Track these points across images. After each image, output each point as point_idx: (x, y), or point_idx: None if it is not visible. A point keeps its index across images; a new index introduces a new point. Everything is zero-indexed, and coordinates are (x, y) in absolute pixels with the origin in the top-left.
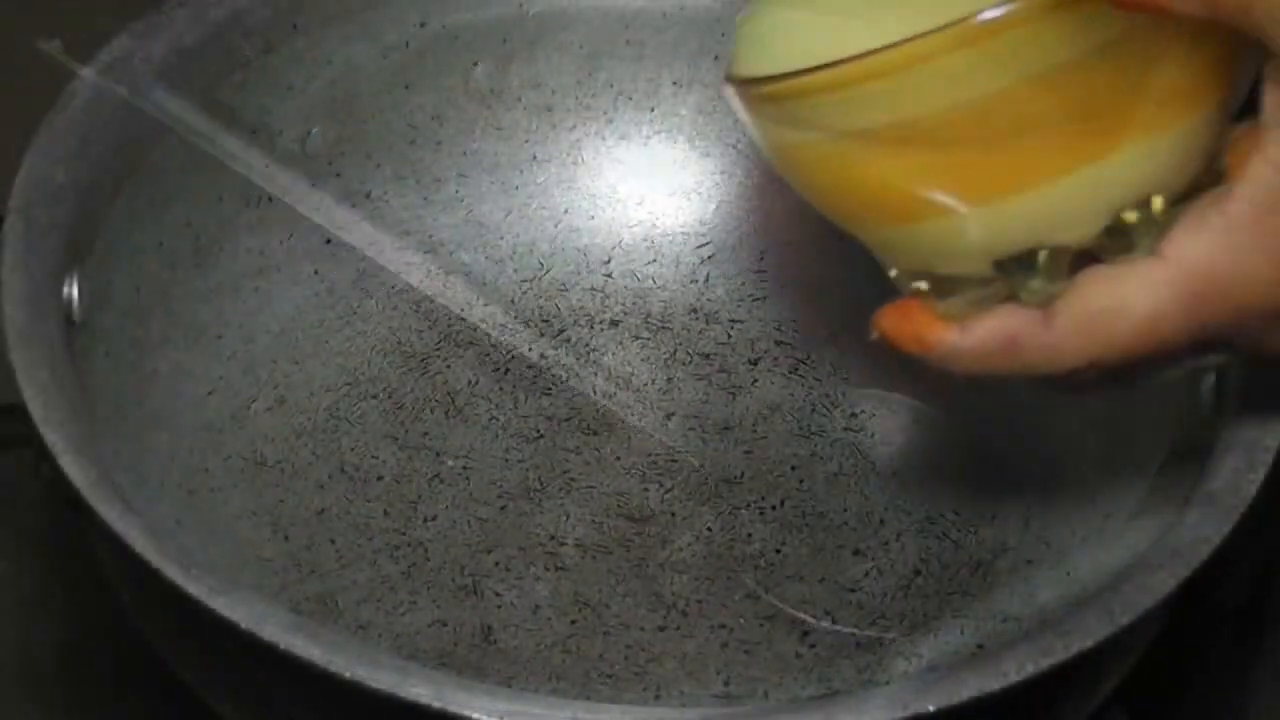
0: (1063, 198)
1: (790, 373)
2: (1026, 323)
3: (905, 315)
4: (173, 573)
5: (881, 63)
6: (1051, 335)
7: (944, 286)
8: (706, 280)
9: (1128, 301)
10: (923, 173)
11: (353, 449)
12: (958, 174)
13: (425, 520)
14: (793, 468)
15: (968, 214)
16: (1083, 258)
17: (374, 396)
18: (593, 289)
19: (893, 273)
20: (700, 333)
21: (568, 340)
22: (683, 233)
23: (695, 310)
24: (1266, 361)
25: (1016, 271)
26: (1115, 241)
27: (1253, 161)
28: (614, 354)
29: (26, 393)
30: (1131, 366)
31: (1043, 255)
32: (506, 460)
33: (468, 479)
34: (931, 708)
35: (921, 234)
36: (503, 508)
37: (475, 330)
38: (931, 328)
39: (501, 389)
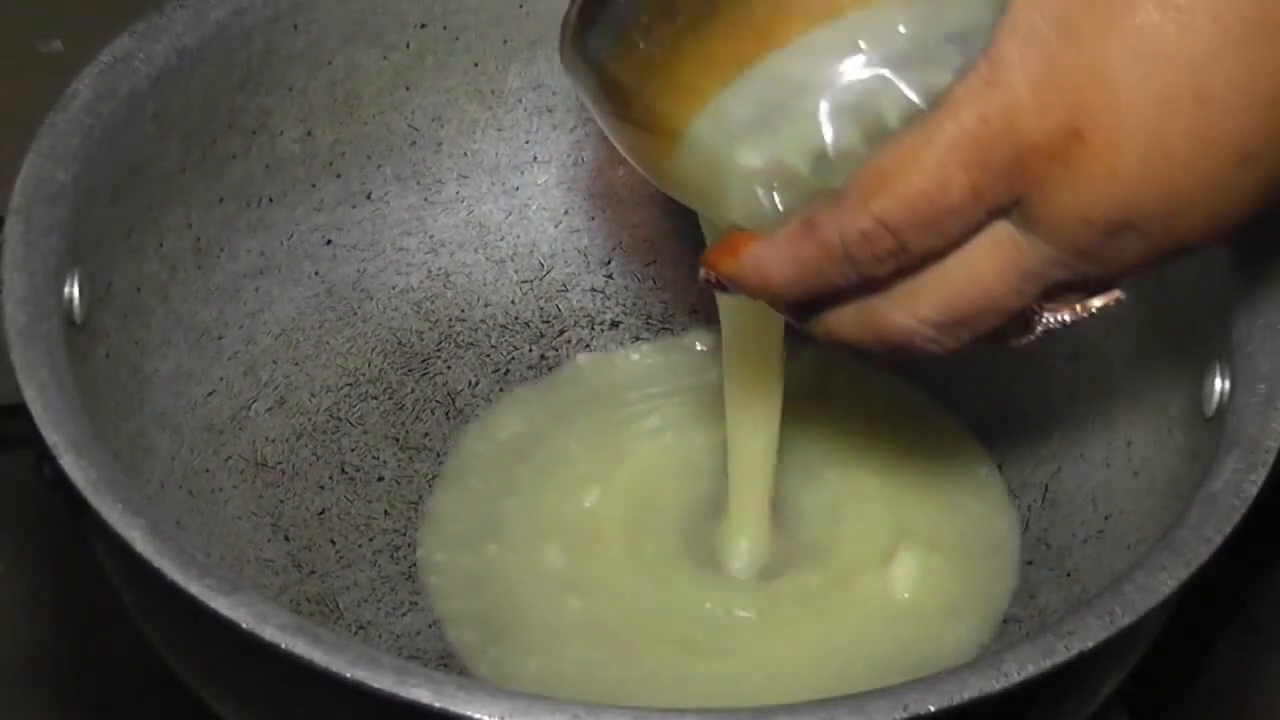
0: (804, 56)
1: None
2: (821, 205)
3: (723, 242)
4: (173, 573)
5: None
6: (842, 205)
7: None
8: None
9: (907, 155)
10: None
11: (353, 449)
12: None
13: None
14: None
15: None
16: None
17: (374, 397)
18: (593, 289)
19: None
20: (701, 333)
21: (568, 341)
22: (683, 233)
23: (695, 310)
24: (1049, 233)
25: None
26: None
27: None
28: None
29: (27, 393)
30: (929, 236)
31: (830, 142)
32: None
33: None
34: (932, 708)
35: (704, 132)
36: None
37: (475, 330)
38: (743, 241)
39: (501, 389)
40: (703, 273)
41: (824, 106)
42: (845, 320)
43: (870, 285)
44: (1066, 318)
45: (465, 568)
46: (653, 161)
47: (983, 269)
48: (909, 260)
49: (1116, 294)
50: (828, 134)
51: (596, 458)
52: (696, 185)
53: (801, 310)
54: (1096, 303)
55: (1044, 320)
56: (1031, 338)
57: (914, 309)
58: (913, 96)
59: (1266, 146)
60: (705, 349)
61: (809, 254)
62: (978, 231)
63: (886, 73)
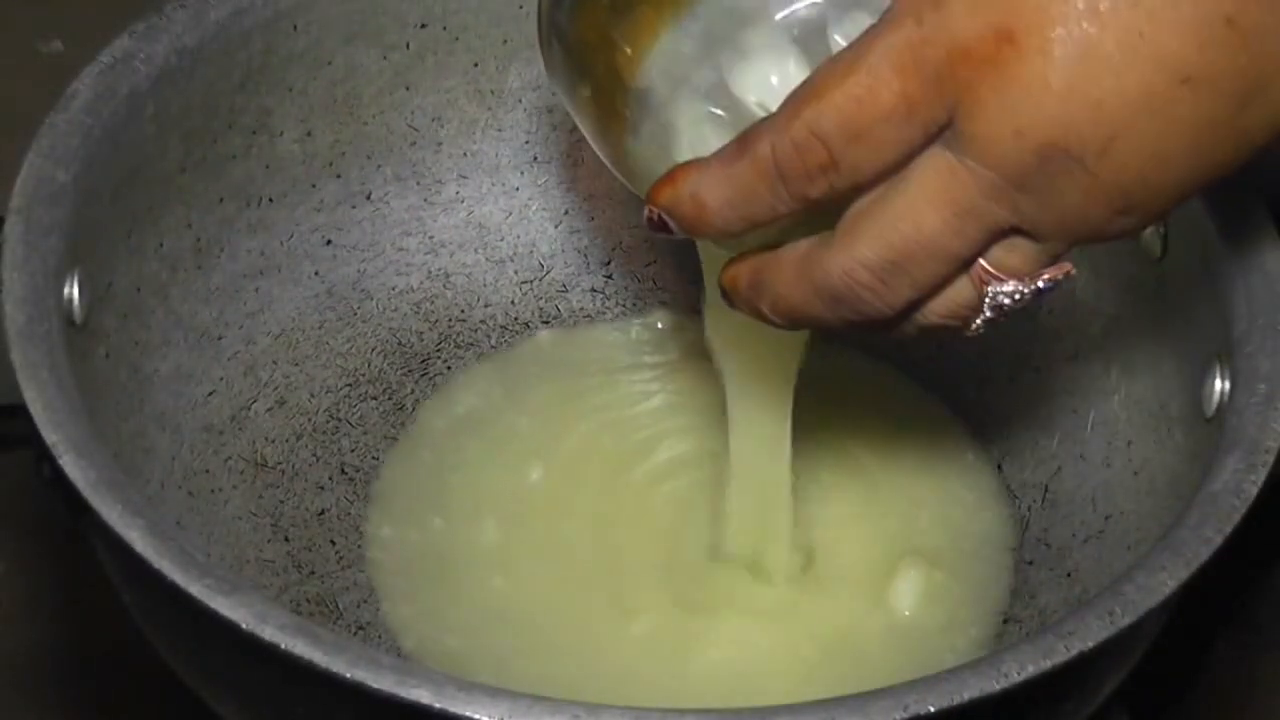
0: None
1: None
2: (758, 124)
3: (665, 175)
4: (173, 573)
5: None
6: (774, 117)
7: None
8: None
9: (841, 65)
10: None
11: (353, 449)
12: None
13: None
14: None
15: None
16: None
17: (374, 397)
18: (593, 290)
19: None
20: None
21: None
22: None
23: (696, 311)
24: (982, 151)
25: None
26: None
27: None
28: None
29: (26, 393)
30: (861, 149)
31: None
32: None
33: None
34: (932, 708)
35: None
36: None
37: (475, 330)
38: (683, 169)
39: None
40: (646, 212)
41: (770, 39)
42: (786, 276)
43: (804, 213)
44: (1016, 289)
45: (410, 542)
46: (615, 138)
47: (919, 201)
48: (841, 180)
49: (1067, 267)
50: (773, 66)
51: (543, 433)
52: (653, 152)
53: (746, 274)
54: (1046, 275)
55: (991, 294)
56: (983, 318)
57: (851, 249)
58: (861, 29)
59: (1206, 72)
60: (665, 326)
61: (742, 172)
62: (914, 157)
63: (834, 4)
